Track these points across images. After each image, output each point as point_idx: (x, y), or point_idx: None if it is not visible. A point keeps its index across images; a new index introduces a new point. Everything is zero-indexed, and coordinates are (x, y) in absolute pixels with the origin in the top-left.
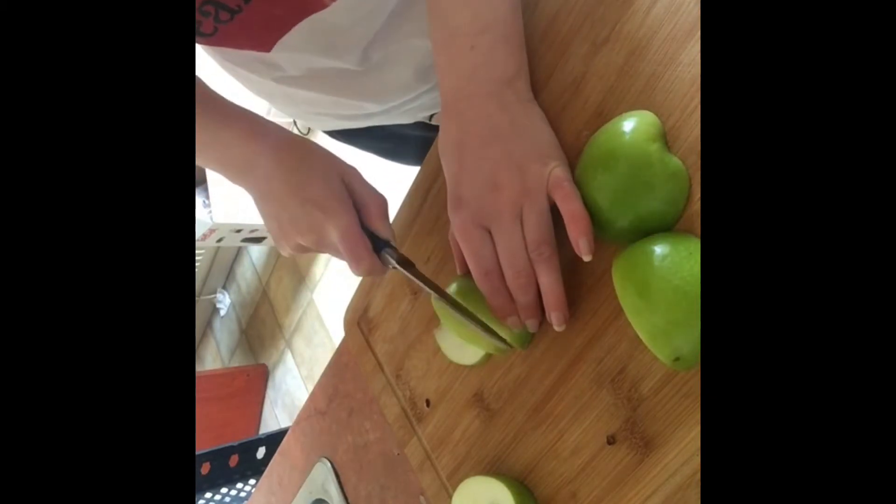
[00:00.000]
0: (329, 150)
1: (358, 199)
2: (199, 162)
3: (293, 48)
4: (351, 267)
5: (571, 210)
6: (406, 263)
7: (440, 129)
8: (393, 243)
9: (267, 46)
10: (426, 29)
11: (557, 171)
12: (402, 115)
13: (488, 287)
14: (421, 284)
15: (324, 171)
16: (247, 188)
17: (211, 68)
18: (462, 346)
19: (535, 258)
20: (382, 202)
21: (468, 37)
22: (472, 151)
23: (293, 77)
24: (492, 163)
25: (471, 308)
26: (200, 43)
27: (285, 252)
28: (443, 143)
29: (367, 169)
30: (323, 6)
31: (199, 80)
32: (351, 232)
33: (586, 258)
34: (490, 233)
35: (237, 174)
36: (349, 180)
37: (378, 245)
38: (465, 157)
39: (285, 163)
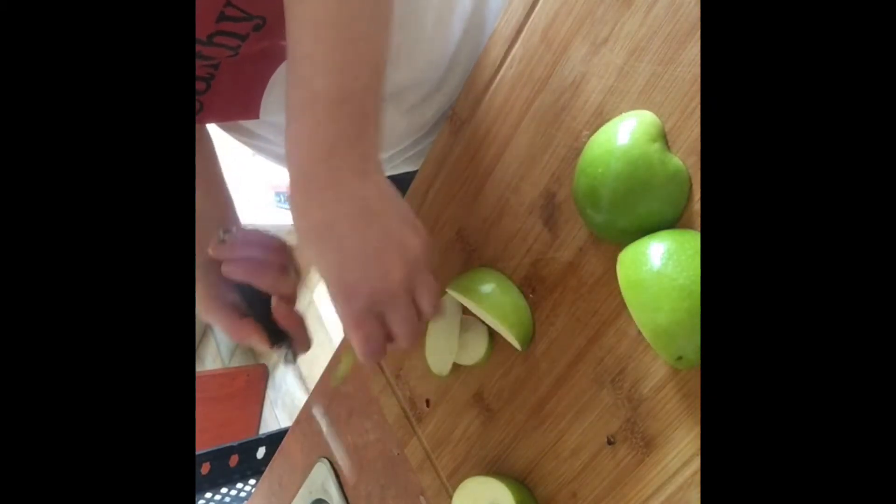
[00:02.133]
0: None
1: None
2: None
3: (278, 109)
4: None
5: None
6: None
7: (293, 210)
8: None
9: (254, 112)
10: (416, 76)
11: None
12: (404, 163)
13: (372, 360)
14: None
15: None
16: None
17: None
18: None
19: (428, 315)
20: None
21: (330, 105)
22: (350, 234)
23: None
24: (374, 244)
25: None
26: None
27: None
28: (306, 227)
29: None
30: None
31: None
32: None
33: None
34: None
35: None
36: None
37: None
38: (342, 242)
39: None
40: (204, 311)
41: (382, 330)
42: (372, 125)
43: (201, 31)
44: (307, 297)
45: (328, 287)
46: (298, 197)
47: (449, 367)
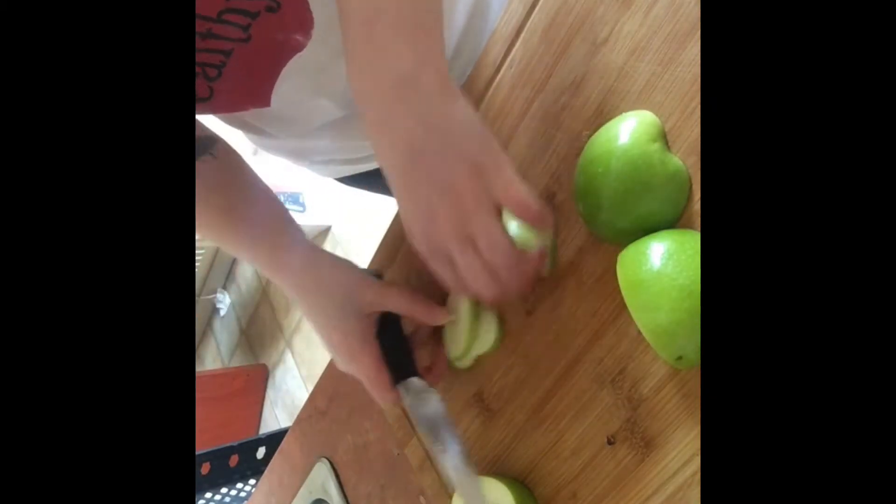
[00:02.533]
0: (343, 261)
1: (380, 307)
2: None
3: (289, 99)
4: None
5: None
6: (421, 396)
7: (375, 149)
8: (415, 365)
9: (265, 100)
10: None
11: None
12: None
13: (484, 282)
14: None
15: (338, 300)
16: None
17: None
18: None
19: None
20: (412, 296)
21: (363, 24)
22: (440, 165)
23: (302, 131)
24: (464, 173)
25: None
26: (204, 112)
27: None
28: (393, 164)
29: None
30: (301, 47)
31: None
32: (371, 379)
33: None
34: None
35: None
36: (361, 296)
37: (403, 370)
38: (432, 174)
39: (306, 289)
40: (349, 360)
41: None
42: (441, 43)
43: (211, 8)
44: None
45: (413, 224)
46: (377, 135)
47: (471, 356)
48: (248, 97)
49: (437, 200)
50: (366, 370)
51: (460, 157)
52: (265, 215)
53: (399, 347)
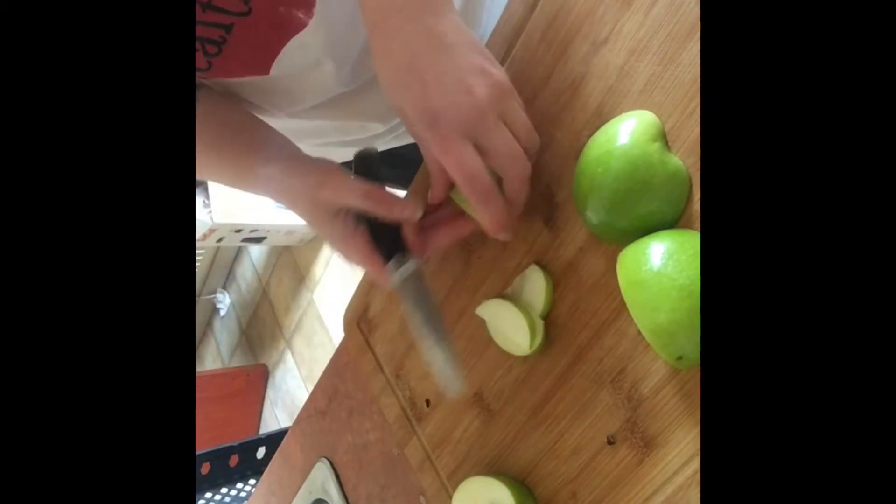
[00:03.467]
0: (311, 162)
1: (352, 201)
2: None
3: (289, 67)
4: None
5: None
6: (412, 280)
7: (374, 57)
8: (405, 230)
9: (264, 69)
10: None
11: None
12: (405, 134)
13: (479, 192)
14: (412, 311)
15: (307, 205)
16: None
17: None
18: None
19: (529, 151)
20: (365, 192)
21: None
22: (430, 65)
23: (299, 109)
24: (456, 71)
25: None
26: (202, 78)
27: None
28: (389, 68)
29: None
30: (303, 25)
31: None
32: (366, 266)
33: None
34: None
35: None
36: (322, 197)
37: (393, 246)
38: (424, 74)
39: (286, 201)
40: (344, 250)
41: (478, 157)
42: None
43: None
44: (307, 297)
45: (413, 125)
46: (378, 40)
47: (527, 340)
48: (246, 67)
49: (472, 76)
50: (359, 259)
51: (482, 52)
52: (246, 143)
53: (383, 225)
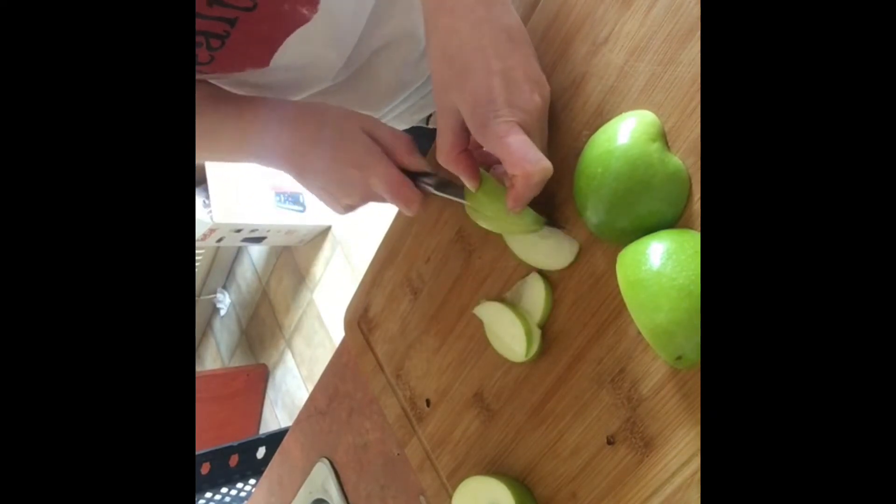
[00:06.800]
0: (341, 105)
1: (384, 144)
2: (222, 157)
3: (289, 59)
4: (403, 211)
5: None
6: (443, 185)
7: (435, 30)
8: (429, 171)
9: (264, 62)
10: (407, 27)
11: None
12: (394, 120)
13: (535, 184)
14: (457, 199)
15: (345, 130)
16: (284, 168)
17: None
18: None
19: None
20: (407, 140)
21: None
22: (498, 56)
23: (294, 99)
24: (521, 68)
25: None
26: (202, 72)
27: (339, 213)
28: (456, 45)
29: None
30: (306, 20)
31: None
32: (392, 179)
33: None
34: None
35: (266, 158)
36: (370, 128)
37: (414, 177)
38: (490, 64)
39: (304, 133)
40: (364, 179)
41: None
42: None
43: None
44: (307, 296)
45: (465, 102)
46: (445, 17)
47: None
48: (247, 60)
49: (533, 85)
50: (385, 176)
51: (533, 60)
52: (245, 100)
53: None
